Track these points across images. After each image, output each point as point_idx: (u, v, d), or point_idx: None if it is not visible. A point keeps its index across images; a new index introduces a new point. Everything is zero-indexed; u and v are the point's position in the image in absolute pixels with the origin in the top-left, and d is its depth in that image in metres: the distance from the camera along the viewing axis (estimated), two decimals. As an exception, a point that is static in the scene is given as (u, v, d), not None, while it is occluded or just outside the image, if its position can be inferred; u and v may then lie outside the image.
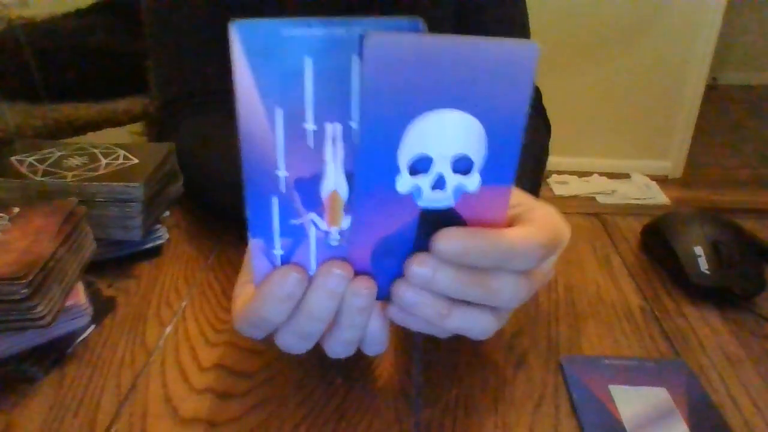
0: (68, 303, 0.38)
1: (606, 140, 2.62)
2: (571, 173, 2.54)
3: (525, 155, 0.55)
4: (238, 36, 0.23)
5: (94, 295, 0.42)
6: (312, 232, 0.27)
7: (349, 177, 0.26)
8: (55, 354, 0.38)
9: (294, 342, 0.30)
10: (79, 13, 1.25)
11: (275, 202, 0.26)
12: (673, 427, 0.33)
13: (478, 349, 0.39)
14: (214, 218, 0.55)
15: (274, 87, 0.24)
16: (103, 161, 0.49)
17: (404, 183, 0.26)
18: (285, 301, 0.28)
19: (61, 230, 0.39)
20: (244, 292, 0.31)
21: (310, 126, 0.25)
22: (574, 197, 2.37)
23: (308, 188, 0.26)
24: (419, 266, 0.27)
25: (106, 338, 0.40)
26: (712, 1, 2.32)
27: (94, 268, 0.44)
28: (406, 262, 0.27)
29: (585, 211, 0.59)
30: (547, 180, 2.47)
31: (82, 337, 0.40)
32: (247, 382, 0.36)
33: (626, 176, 2.56)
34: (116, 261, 0.48)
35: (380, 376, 0.37)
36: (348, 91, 0.24)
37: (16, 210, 0.40)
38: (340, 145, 0.25)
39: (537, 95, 0.69)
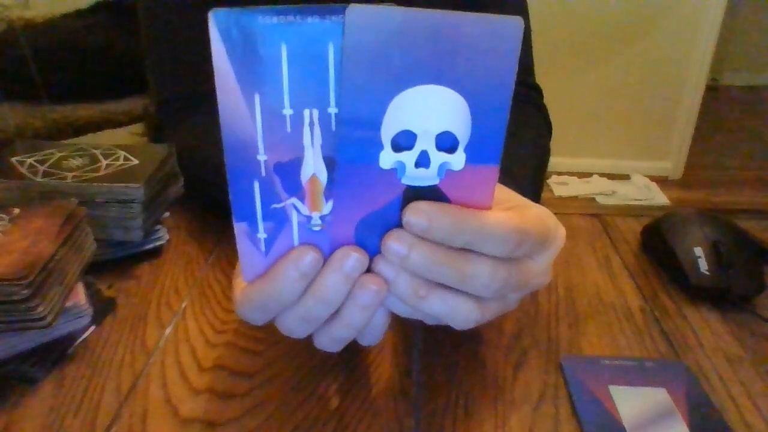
0: (68, 303, 0.38)
1: (606, 141, 2.62)
2: (571, 174, 2.54)
3: (527, 155, 0.55)
4: (216, 25, 0.23)
5: (94, 295, 0.42)
6: (294, 217, 0.27)
7: (328, 162, 0.26)
8: (55, 354, 0.38)
9: (296, 325, 0.29)
10: (79, 13, 1.25)
11: (256, 186, 0.26)
12: (672, 427, 0.33)
13: (478, 349, 0.39)
14: (214, 218, 0.55)
15: (251, 73, 0.24)
16: (104, 162, 0.49)
17: (387, 159, 0.26)
18: (299, 281, 0.27)
19: (61, 231, 0.39)
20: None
21: (287, 111, 0.25)
22: (574, 198, 2.37)
23: (288, 173, 0.26)
24: (395, 242, 0.27)
25: (106, 339, 0.40)
26: (712, 1, 2.32)
27: (95, 269, 0.44)
28: (383, 237, 0.27)
29: (585, 212, 0.59)
30: (547, 181, 2.47)
31: (82, 338, 0.40)
32: (247, 383, 0.36)
33: (626, 177, 2.56)
34: (116, 262, 0.48)
35: (380, 376, 0.37)
36: (325, 78, 0.24)
37: (17, 211, 0.40)
38: (317, 130, 0.26)
39: (538, 94, 0.69)
